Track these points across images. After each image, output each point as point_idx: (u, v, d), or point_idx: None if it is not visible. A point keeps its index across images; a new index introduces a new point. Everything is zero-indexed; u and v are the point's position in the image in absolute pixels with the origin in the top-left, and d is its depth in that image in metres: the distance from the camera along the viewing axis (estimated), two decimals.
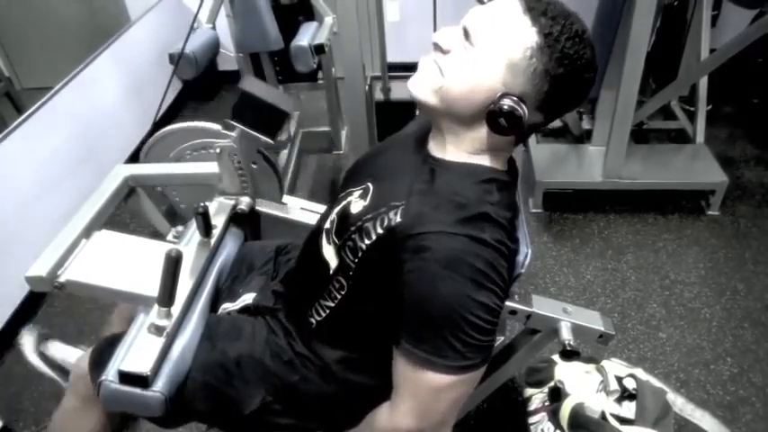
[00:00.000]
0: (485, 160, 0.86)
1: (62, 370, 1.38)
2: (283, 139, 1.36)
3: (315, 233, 1.01)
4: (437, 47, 0.82)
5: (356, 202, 0.91)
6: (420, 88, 0.83)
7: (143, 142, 1.83)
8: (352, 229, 0.87)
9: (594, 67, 0.80)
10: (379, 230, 0.83)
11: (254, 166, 1.36)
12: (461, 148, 0.86)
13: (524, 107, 0.78)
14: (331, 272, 0.92)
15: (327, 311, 0.95)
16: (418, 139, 0.95)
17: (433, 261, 0.75)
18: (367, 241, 0.84)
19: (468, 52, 0.79)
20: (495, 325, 0.80)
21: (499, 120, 0.78)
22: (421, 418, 0.82)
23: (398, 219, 0.81)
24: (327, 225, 0.95)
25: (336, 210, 0.94)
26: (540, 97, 0.79)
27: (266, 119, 1.27)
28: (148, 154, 1.72)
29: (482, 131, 0.83)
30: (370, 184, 0.92)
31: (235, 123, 1.26)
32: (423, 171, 0.86)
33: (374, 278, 0.84)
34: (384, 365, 0.87)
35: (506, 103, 0.77)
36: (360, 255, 0.85)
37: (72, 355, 1.39)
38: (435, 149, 0.89)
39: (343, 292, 0.91)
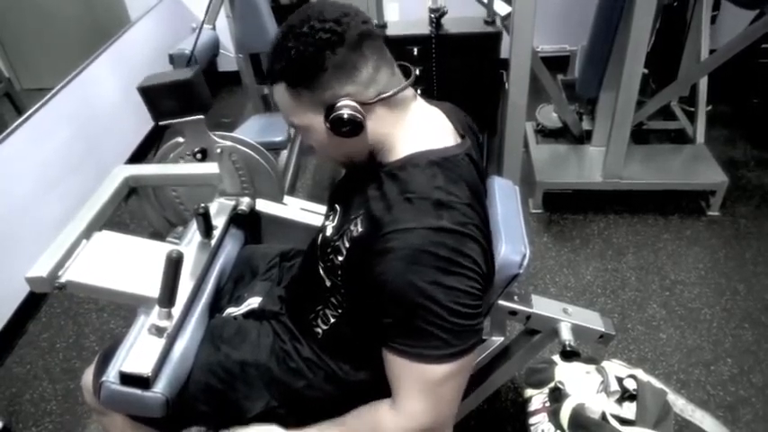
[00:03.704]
0: (415, 146, 0.86)
1: None
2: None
3: (313, 249, 1.03)
4: None
5: (329, 226, 0.96)
6: None
7: (143, 142, 1.83)
8: (329, 251, 0.90)
9: (325, 36, 0.79)
10: (347, 244, 0.86)
11: (198, 157, 1.35)
12: (382, 152, 0.88)
13: (345, 107, 0.81)
14: (327, 290, 0.95)
15: (333, 320, 0.96)
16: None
17: (397, 260, 0.76)
18: (340, 258, 0.87)
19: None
20: (475, 308, 0.80)
21: (344, 129, 0.83)
22: (430, 413, 0.82)
23: (360, 229, 0.84)
24: (317, 249, 0.98)
25: (320, 238, 0.98)
26: (335, 93, 0.81)
27: (186, 98, 1.27)
28: None
29: (361, 138, 0.85)
30: (337, 206, 0.96)
31: (170, 121, 1.27)
32: (374, 179, 0.88)
33: (359, 291, 0.85)
34: None
35: (345, 112, 0.81)
36: (340, 272, 0.88)
37: None
38: (379, 157, 0.91)
39: (344, 306, 0.93)
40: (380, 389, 0.88)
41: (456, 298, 0.77)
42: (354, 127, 0.82)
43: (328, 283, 0.94)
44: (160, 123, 1.31)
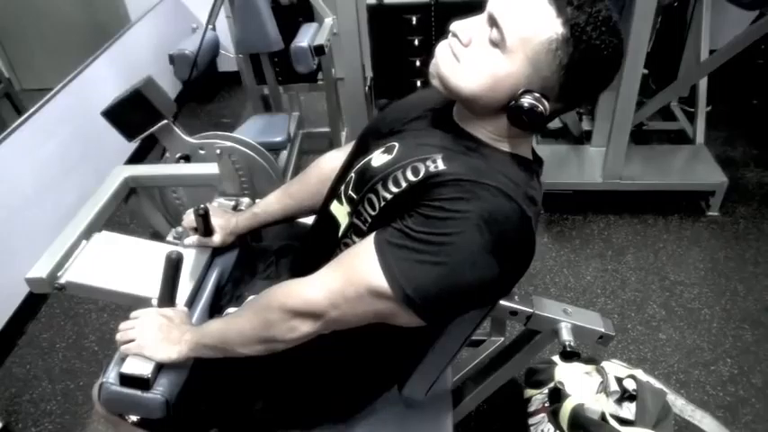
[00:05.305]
0: (514, 148, 0.84)
1: None
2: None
3: (326, 199, 0.99)
4: (455, 37, 0.78)
5: (378, 157, 0.88)
6: (439, 80, 0.81)
7: (143, 143, 1.83)
8: (375, 179, 0.84)
9: (621, 53, 0.75)
10: (411, 177, 0.80)
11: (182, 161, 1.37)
12: (488, 129, 0.83)
13: (546, 103, 0.76)
14: (340, 234, 0.90)
15: None
16: (441, 109, 0.91)
17: (475, 204, 0.73)
18: (394, 189, 0.81)
19: (490, 47, 0.75)
20: (467, 301, 0.77)
21: (521, 116, 0.77)
22: (332, 303, 0.77)
23: (441, 166, 0.78)
24: (342, 187, 0.93)
25: (356, 168, 0.91)
26: (563, 89, 0.76)
27: (144, 108, 1.29)
28: None
29: (503, 120, 0.80)
30: (395, 143, 0.88)
31: (141, 136, 1.30)
32: (458, 139, 0.84)
33: (389, 217, 0.80)
34: (396, 357, 0.84)
35: (527, 100, 0.75)
36: (382, 205, 0.82)
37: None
38: (463, 123, 0.86)
39: None
40: (381, 377, 0.87)
41: (472, 276, 0.73)
42: (532, 119, 0.76)
43: (344, 224, 0.89)
44: (130, 142, 1.33)
